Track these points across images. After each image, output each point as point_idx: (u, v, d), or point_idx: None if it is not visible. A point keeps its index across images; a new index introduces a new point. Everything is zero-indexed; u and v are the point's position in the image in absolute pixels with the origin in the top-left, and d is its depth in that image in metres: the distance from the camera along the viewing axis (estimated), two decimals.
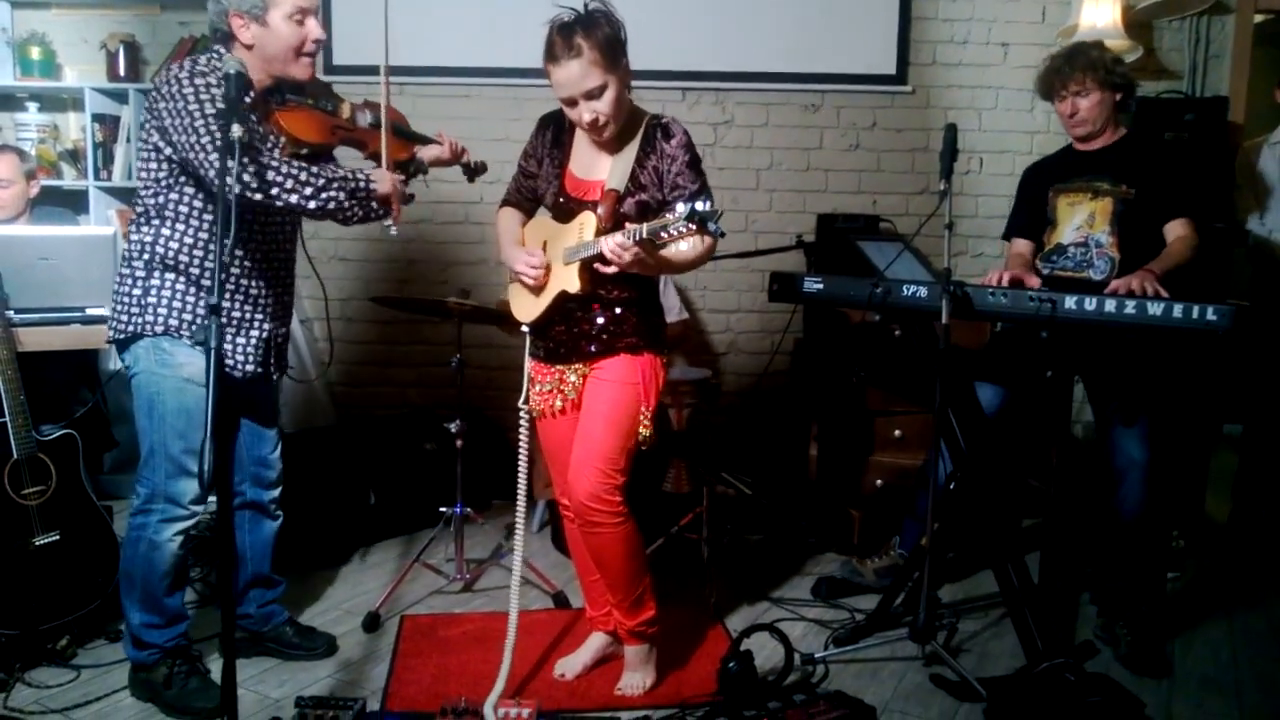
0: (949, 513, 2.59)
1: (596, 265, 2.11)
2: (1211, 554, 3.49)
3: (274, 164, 2.12)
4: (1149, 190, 2.69)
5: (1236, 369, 3.54)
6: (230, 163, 1.83)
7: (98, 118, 3.97)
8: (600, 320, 2.25)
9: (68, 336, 2.71)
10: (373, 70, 3.86)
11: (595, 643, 2.52)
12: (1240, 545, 3.55)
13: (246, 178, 2.06)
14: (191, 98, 2.09)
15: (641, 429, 2.25)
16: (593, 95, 2.10)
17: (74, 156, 4.08)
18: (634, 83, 2.22)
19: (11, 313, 2.56)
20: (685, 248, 2.00)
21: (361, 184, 2.23)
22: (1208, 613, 2.99)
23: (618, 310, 2.25)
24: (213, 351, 1.66)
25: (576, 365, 2.29)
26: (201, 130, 2.07)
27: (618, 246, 2.01)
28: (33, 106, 4.06)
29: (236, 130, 1.82)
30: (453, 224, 4.11)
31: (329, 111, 2.38)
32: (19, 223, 3.25)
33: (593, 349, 2.26)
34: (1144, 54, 3.92)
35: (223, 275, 1.83)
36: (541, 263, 2.25)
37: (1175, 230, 2.68)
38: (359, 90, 3.89)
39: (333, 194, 2.19)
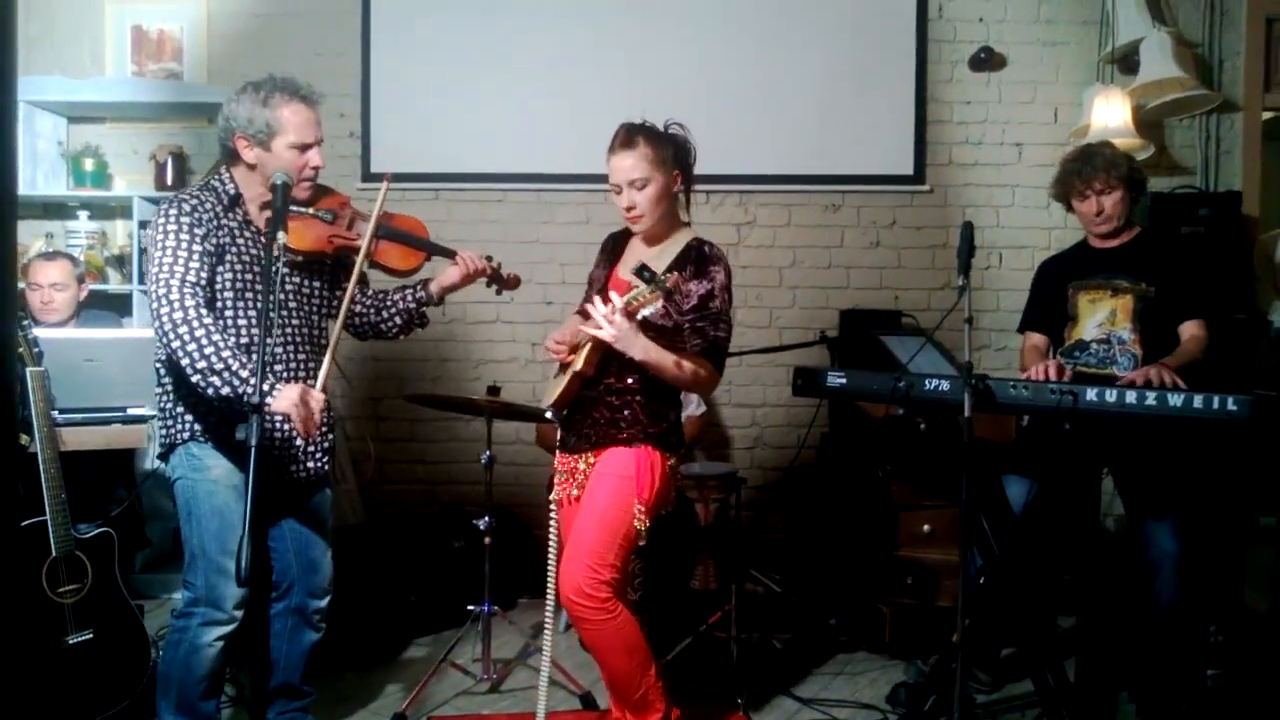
0: (980, 607, 2.55)
1: (593, 334, 2.20)
2: (1252, 649, 3.39)
3: (194, 320, 2.12)
4: (1167, 288, 2.74)
5: (1270, 461, 3.50)
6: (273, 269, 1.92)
7: (144, 224, 4.10)
8: (603, 409, 2.32)
9: (109, 436, 2.80)
10: (410, 178, 4.09)
11: None
12: None
13: (165, 313, 2.11)
14: (160, 235, 2.18)
15: (636, 523, 2.25)
16: (635, 185, 2.33)
17: (120, 261, 4.23)
18: None
19: (56, 413, 2.65)
20: (649, 312, 2.14)
21: (248, 394, 2.07)
22: (1251, 710, 2.89)
23: (621, 399, 2.32)
24: (254, 450, 1.71)
25: (586, 454, 2.36)
26: (160, 265, 2.15)
27: (606, 311, 2.13)
28: (83, 215, 4.23)
29: (282, 238, 1.92)
30: (484, 323, 4.21)
31: (328, 221, 2.38)
32: (68, 325, 3.38)
33: (594, 438, 2.34)
34: (1156, 151, 4.01)
35: (261, 377, 1.89)
36: (563, 339, 2.37)
37: (1189, 330, 2.72)
38: (391, 197, 4.09)
39: (214, 381, 2.11)
